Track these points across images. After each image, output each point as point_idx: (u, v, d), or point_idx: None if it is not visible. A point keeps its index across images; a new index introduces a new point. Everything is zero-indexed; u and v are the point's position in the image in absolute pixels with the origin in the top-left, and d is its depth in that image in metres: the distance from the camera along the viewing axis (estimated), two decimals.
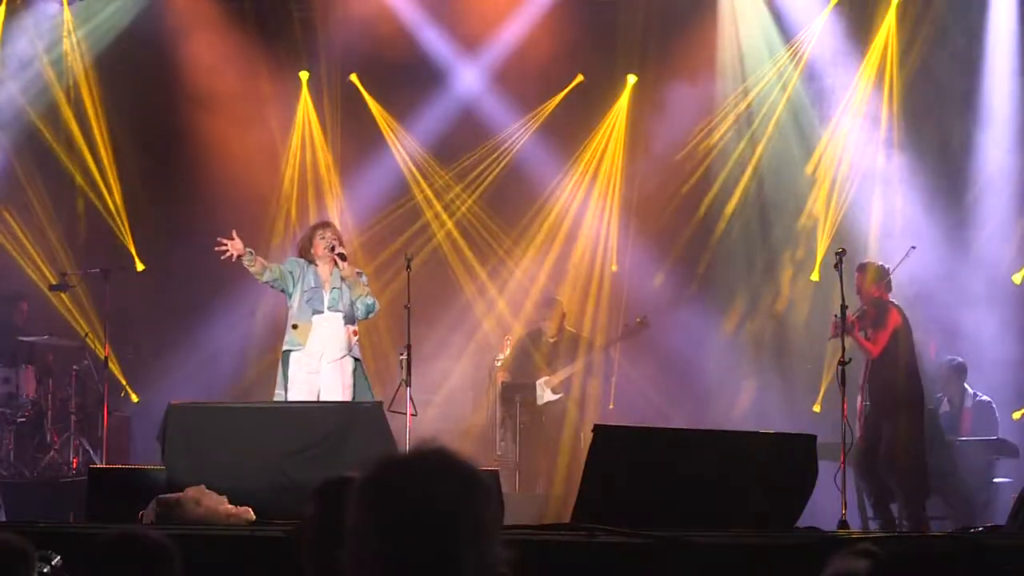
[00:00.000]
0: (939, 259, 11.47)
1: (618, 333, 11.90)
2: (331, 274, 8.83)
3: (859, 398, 9.76)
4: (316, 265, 8.81)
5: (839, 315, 8.99)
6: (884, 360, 9.60)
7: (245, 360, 12.08)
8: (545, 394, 11.19)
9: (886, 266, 9.86)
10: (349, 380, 8.74)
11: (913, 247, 9.83)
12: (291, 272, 8.80)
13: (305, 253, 8.85)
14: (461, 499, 2.29)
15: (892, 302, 9.75)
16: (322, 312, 8.73)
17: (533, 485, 11.02)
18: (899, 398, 9.60)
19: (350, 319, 8.79)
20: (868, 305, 9.71)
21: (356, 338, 8.82)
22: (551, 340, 11.37)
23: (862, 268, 9.87)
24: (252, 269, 8.73)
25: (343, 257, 8.72)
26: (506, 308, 12.45)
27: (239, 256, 8.62)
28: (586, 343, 11.47)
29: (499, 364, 11.52)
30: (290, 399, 8.71)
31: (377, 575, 2.27)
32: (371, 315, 8.97)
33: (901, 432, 9.56)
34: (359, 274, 8.98)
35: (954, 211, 11.86)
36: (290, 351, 8.76)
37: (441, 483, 2.29)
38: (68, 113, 12.33)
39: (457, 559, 2.27)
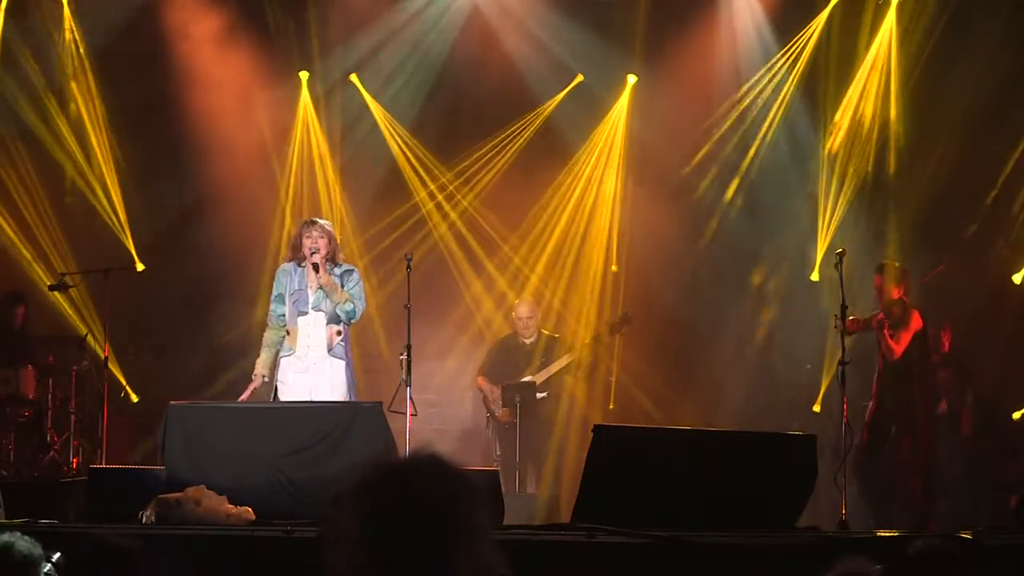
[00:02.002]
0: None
1: (605, 328, 11.86)
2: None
3: (871, 402, 9.71)
4: (305, 267, 8.71)
5: (839, 315, 8.97)
6: (903, 362, 9.56)
7: (245, 360, 12.06)
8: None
9: (903, 267, 9.87)
10: (340, 379, 8.69)
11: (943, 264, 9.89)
12: (279, 295, 8.78)
13: (296, 252, 8.76)
14: (453, 503, 2.30)
15: (912, 305, 9.71)
16: (306, 313, 8.67)
17: (533, 485, 11.01)
18: (914, 401, 9.58)
19: (334, 319, 8.68)
20: (890, 306, 9.64)
21: (340, 338, 8.69)
22: (527, 342, 11.35)
23: (884, 269, 9.81)
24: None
25: (316, 268, 8.58)
26: (506, 308, 12.42)
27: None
28: (561, 344, 11.44)
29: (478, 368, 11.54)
30: (282, 400, 8.71)
31: None
32: (352, 321, 8.80)
33: (915, 435, 9.53)
34: (348, 272, 8.78)
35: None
36: (281, 356, 8.74)
37: (433, 488, 2.31)
38: (68, 111, 12.32)
39: (450, 563, 2.27)
